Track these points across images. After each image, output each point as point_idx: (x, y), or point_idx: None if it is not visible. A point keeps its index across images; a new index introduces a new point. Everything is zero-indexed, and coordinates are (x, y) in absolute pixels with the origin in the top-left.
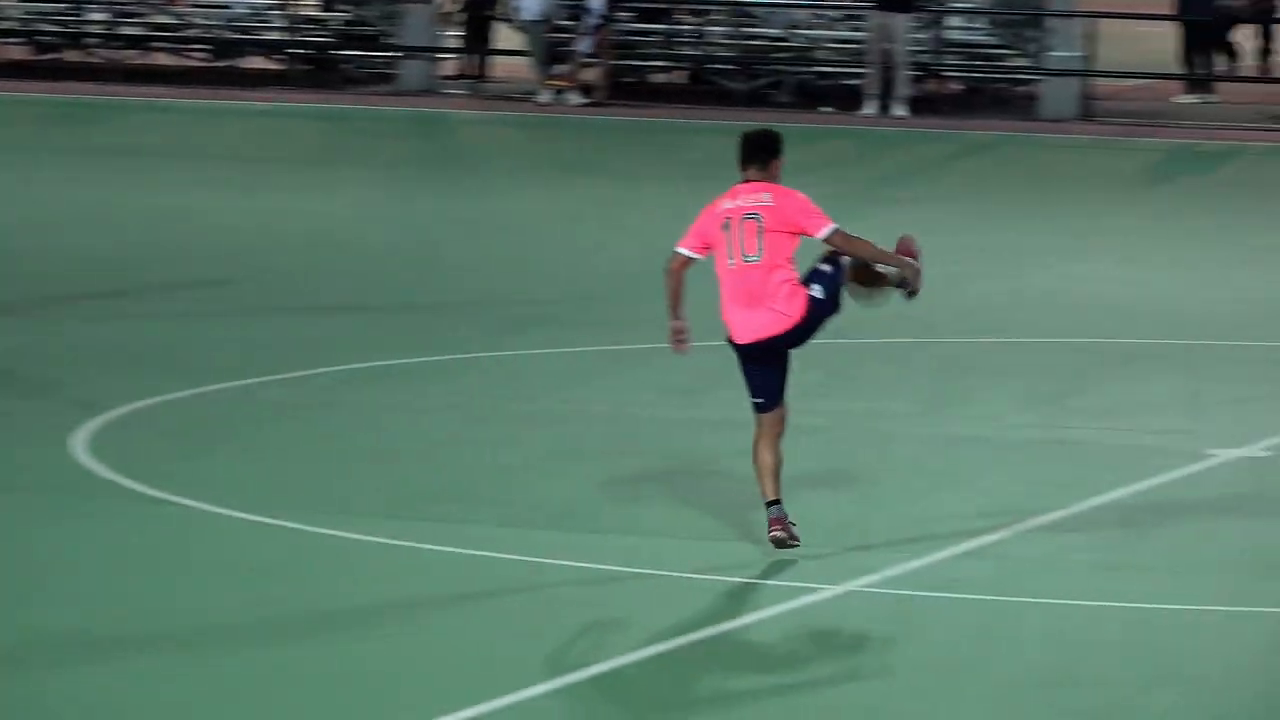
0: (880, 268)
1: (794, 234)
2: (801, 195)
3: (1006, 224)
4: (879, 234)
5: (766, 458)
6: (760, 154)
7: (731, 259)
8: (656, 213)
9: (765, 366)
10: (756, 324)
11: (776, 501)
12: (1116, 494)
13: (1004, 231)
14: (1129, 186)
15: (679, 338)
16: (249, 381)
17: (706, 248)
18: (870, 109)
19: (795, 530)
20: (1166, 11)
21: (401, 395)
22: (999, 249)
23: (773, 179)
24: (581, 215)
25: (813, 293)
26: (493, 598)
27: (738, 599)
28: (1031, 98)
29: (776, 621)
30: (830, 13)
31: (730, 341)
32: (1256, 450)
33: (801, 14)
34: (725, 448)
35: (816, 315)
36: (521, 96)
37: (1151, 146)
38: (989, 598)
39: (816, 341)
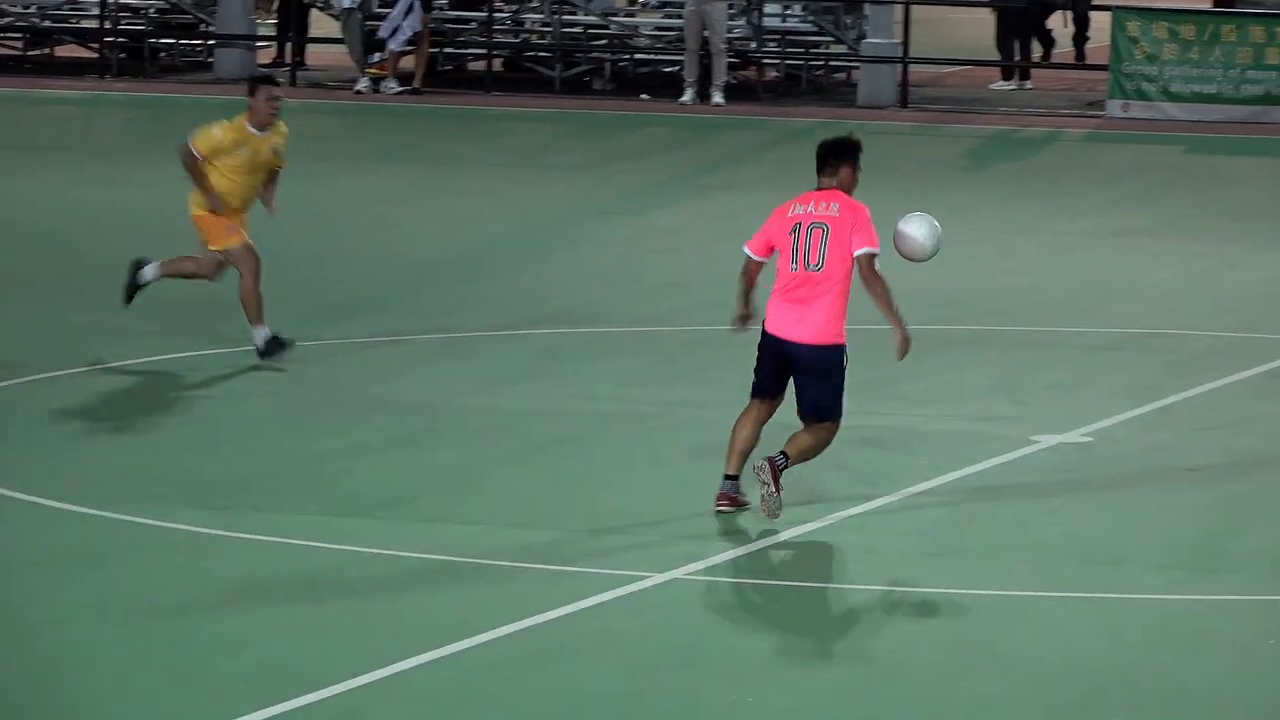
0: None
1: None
2: (865, 210)
3: None
4: (696, 221)
5: (742, 433)
6: (830, 161)
7: (795, 265)
8: (475, 200)
9: (777, 364)
10: (789, 322)
11: (733, 478)
12: (937, 481)
13: None
14: (946, 173)
15: (742, 323)
16: (62, 373)
17: (771, 249)
18: (688, 97)
19: (743, 498)
20: None
21: (220, 384)
22: None
23: (844, 187)
24: (400, 202)
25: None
26: (306, 587)
27: (559, 586)
28: (849, 85)
29: (600, 610)
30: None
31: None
32: (1076, 436)
33: (619, 1)
34: (546, 435)
35: (837, 364)
36: (339, 85)
37: (968, 133)
38: (811, 585)
39: (640, 329)
